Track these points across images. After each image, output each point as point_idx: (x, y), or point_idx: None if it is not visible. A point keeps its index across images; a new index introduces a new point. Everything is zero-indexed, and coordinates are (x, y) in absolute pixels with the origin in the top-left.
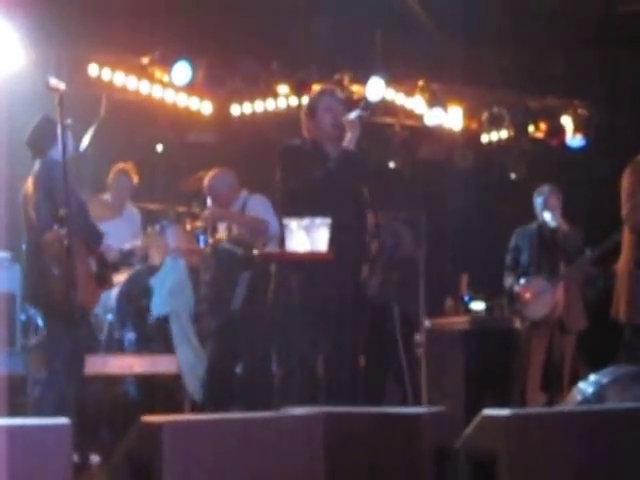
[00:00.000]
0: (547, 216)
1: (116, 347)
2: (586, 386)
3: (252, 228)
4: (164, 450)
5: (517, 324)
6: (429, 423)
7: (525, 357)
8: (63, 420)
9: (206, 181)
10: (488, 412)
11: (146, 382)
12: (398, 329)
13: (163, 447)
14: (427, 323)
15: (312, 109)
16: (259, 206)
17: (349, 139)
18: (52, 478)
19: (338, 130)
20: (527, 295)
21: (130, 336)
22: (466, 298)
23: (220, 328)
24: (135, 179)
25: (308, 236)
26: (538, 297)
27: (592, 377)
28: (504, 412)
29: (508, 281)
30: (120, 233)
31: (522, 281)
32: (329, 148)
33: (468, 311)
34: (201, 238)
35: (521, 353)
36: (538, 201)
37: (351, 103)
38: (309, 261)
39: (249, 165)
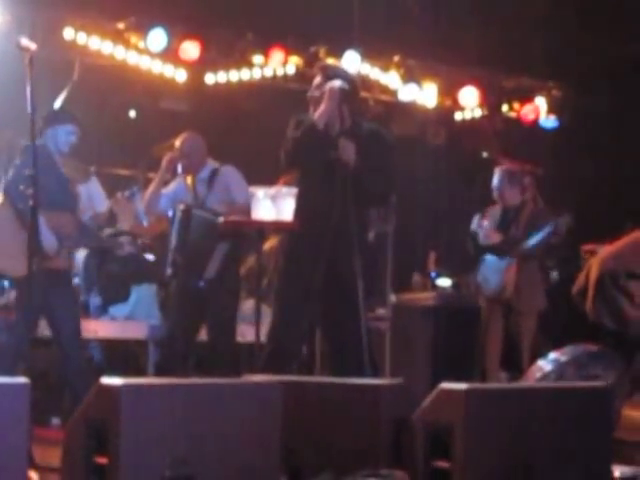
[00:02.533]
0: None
1: (81, 311)
2: (545, 363)
3: None
4: (121, 412)
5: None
6: (388, 394)
7: (484, 335)
8: (22, 379)
9: (178, 142)
10: (446, 386)
11: (110, 347)
12: (361, 303)
13: (120, 409)
14: (393, 298)
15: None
16: (231, 177)
17: (322, 110)
18: (9, 437)
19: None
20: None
21: (95, 300)
22: (433, 275)
23: (188, 295)
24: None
25: (274, 205)
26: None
27: (551, 355)
28: (461, 386)
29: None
30: (91, 195)
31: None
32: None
33: (435, 287)
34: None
35: (481, 331)
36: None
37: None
38: (274, 229)
39: (221, 134)
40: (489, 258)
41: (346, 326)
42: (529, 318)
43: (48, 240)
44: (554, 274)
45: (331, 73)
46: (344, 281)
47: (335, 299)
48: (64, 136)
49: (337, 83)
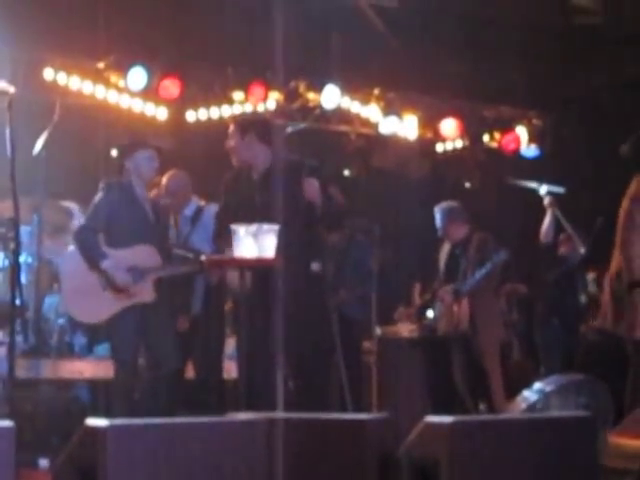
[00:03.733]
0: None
1: (67, 351)
2: (530, 394)
3: None
4: (107, 453)
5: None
6: (373, 429)
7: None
8: (7, 423)
9: (164, 180)
10: (430, 419)
11: (97, 387)
12: (336, 334)
13: (106, 450)
14: (378, 331)
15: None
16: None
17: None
18: None
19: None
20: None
21: (81, 340)
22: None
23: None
24: None
25: (255, 242)
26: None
27: (537, 385)
28: (446, 419)
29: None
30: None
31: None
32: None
33: (420, 319)
34: None
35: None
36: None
37: (306, 111)
38: (256, 267)
39: (204, 171)
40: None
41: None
42: (488, 351)
43: (120, 278)
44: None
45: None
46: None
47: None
48: (147, 163)
49: None
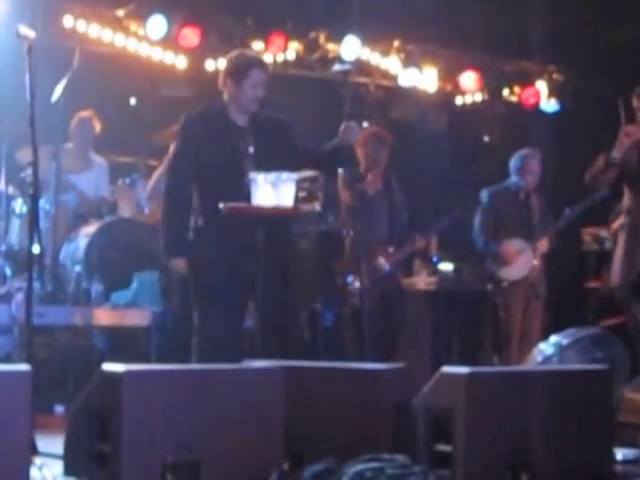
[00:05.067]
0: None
1: (83, 298)
2: (546, 347)
3: None
4: (123, 399)
5: (488, 286)
6: (389, 379)
7: (505, 319)
8: (24, 367)
9: None
10: (447, 370)
11: (113, 334)
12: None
13: (122, 396)
14: None
15: (241, 75)
16: None
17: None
18: (12, 425)
19: (255, 107)
20: (508, 256)
21: (97, 288)
22: (435, 259)
23: None
24: (97, 127)
25: (274, 190)
26: (518, 258)
27: (553, 338)
28: (462, 370)
29: (482, 241)
30: (89, 184)
31: (504, 242)
32: (236, 116)
33: (436, 272)
34: None
35: (500, 315)
36: (515, 163)
37: (326, 62)
38: (274, 215)
39: None
40: None
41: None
42: (542, 303)
43: None
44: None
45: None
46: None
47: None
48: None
49: (340, 67)
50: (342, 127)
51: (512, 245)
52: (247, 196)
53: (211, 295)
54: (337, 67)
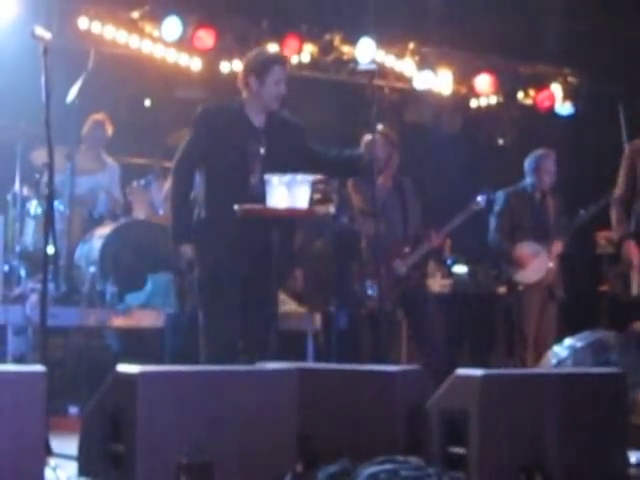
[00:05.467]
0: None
1: (97, 300)
2: (561, 350)
3: None
4: (137, 400)
5: (501, 289)
6: (403, 381)
7: (520, 322)
8: (39, 368)
9: None
10: (461, 372)
11: (127, 335)
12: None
13: (137, 397)
14: None
15: (264, 72)
16: None
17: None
18: (27, 425)
19: (277, 104)
20: (523, 259)
21: (112, 289)
22: (449, 261)
23: None
24: (110, 130)
25: (289, 192)
26: (533, 261)
27: (567, 341)
28: (477, 372)
29: (497, 243)
30: (103, 186)
31: (519, 245)
32: (253, 115)
33: (450, 274)
34: None
35: (515, 318)
36: (530, 163)
37: (341, 64)
38: (288, 217)
39: None
40: None
41: None
42: (557, 305)
43: None
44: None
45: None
46: None
47: None
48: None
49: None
50: (367, 139)
51: (527, 248)
52: (251, 197)
53: (215, 293)
54: (362, 67)
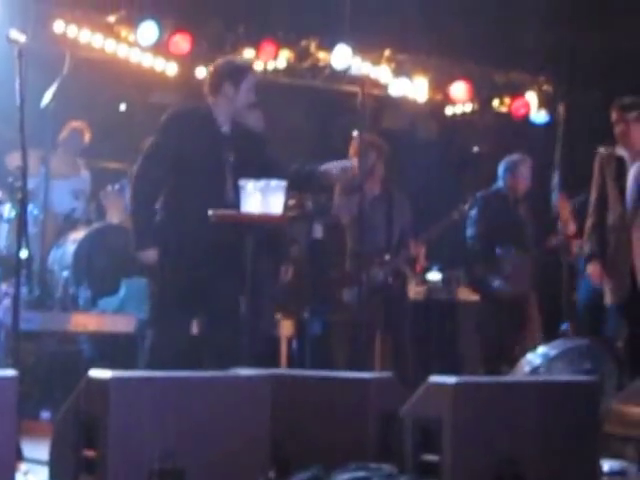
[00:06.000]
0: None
1: (71, 304)
2: (534, 357)
3: None
4: (110, 405)
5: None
6: (376, 389)
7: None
8: (10, 372)
9: None
10: (435, 379)
11: (100, 340)
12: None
13: (109, 402)
14: None
15: (240, 77)
16: None
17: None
18: None
19: (248, 112)
20: (509, 267)
21: (85, 294)
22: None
23: None
24: (87, 138)
25: (263, 198)
26: (518, 270)
27: (540, 349)
28: (450, 380)
29: (479, 248)
30: (76, 190)
31: (510, 251)
32: (221, 122)
33: (424, 282)
34: None
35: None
36: (504, 167)
37: (317, 71)
38: (262, 223)
39: None
40: None
41: None
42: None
43: None
44: None
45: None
46: None
47: None
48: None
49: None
50: (340, 165)
51: (512, 256)
52: (226, 203)
53: (172, 299)
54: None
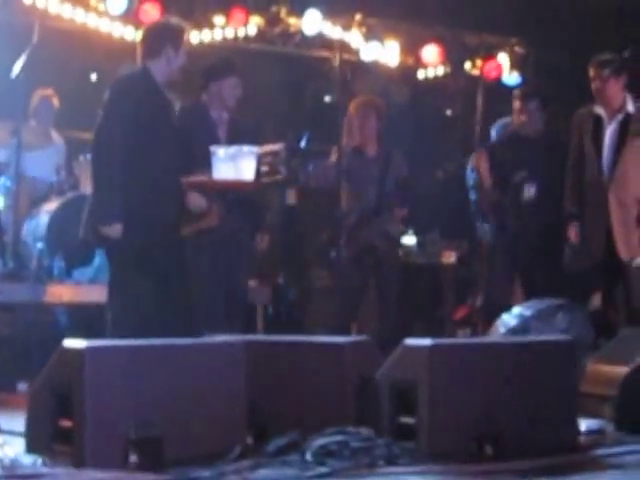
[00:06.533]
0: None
1: (45, 275)
2: (510, 318)
3: None
4: (85, 374)
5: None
6: (352, 352)
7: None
8: None
9: None
10: (410, 342)
11: (75, 311)
12: None
13: (84, 371)
14: None
15: (179, 42)
16: None
17: None
18: None
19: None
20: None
21: (60, 264)
22: None
23: None
24: (56, 104)
25: (234, 164)
26: None
27: (516, 310)
28: (425, 342)
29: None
30: (50, 161)
31: None
32: (159, 82)
33: (400, 245)
34: None
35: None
36: (498, 130)
37: (288, 36)
38: (235, 189)
39: (183, 95)
40: None
41: None
42: None
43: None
44: None
45: None
46: None
47: None
48: (231, 90)
49: None
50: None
51: None
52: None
53: (141, 274)
54: None
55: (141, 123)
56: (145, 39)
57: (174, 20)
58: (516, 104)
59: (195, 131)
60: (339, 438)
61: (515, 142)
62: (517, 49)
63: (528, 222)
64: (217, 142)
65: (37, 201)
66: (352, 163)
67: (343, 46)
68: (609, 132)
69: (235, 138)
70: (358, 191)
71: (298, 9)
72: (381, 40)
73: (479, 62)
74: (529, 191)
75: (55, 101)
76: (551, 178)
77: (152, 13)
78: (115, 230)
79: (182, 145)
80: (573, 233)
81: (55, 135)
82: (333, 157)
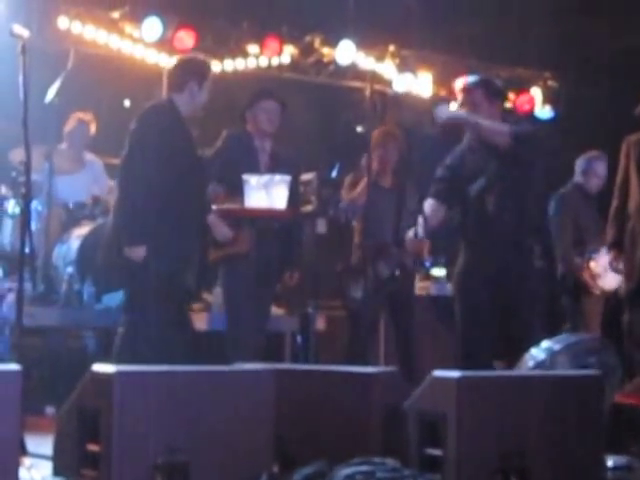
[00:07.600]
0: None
1: (75, 300)
2: (538, 352)
3: None
4: (114, 399)
5: None
6: (380, 383)
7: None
8: (14, 367)
9: None
10: (438, 374)
11: (104, 336)
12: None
13: (113, 396)
14: None
15: (204, 77)
16: None
17: None
18: (2, 424)
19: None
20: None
21: (90, 289)
22: (427, 264)
23: None
24: (93, 129)
25: (267, 193)
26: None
27: (545, 344)
28: (454, 374)
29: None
30: (82, 185)
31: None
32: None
33: (429, 277)
34: None
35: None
36: (582, 164)
37: (321, 66)
38: (266, 217)
39: (216, 124)
40: None
41: None
42: None
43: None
44: None
45: None
46: None
47: None
48: (264, 114)
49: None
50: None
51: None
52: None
53: (167, 300)
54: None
55: (165, 154)
56: (170, 73)
57: (200, 56)
58: None
59: (238, 159)
60: (365, 468)
61: None
62: (550, 83)
63: None
64: (257, 171)
65: (68, 226)
66: (369, 195)
67: (375, 77)
68: None
69: (275, 169)
70: (374, 223)
71: (332, 39)
72: (414, 72)
73: (512, 95)
74: None
75: (92, 127)
76: None
77: (187, 41)
78: (138, 253)
79: (224, 169)
80: (614, 260)
81: (88, 156)
82: (358, 188)
